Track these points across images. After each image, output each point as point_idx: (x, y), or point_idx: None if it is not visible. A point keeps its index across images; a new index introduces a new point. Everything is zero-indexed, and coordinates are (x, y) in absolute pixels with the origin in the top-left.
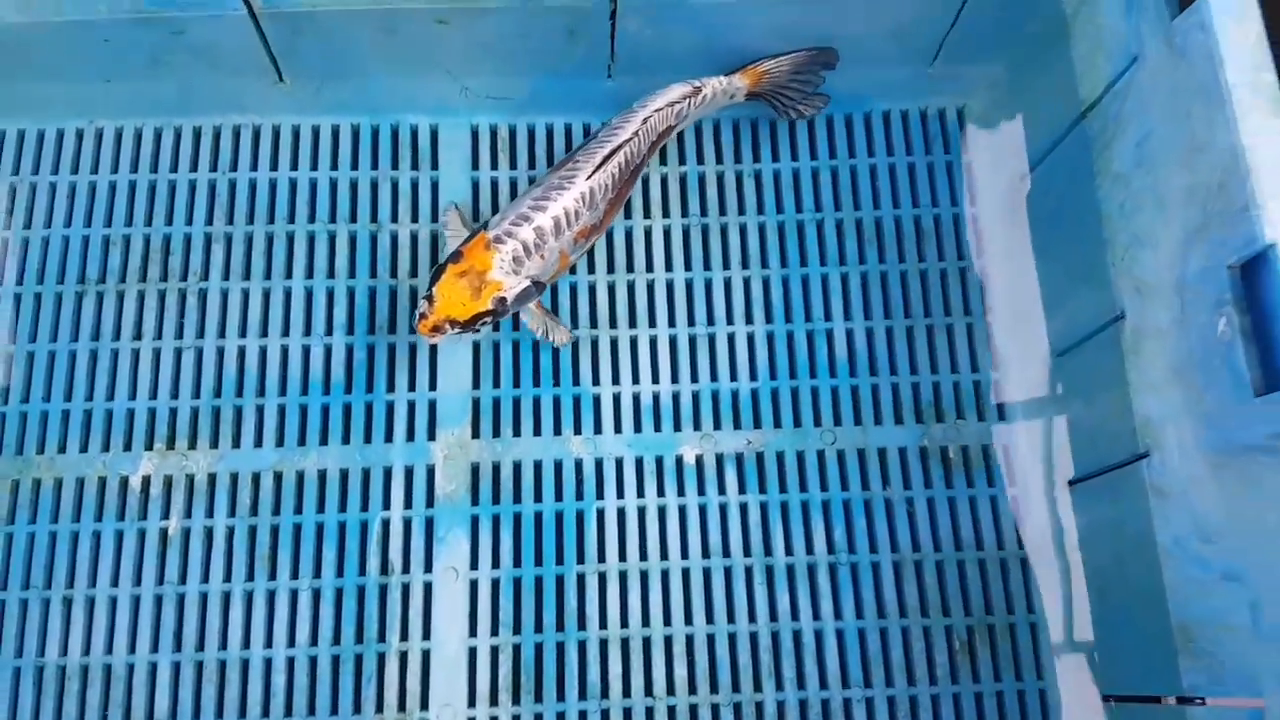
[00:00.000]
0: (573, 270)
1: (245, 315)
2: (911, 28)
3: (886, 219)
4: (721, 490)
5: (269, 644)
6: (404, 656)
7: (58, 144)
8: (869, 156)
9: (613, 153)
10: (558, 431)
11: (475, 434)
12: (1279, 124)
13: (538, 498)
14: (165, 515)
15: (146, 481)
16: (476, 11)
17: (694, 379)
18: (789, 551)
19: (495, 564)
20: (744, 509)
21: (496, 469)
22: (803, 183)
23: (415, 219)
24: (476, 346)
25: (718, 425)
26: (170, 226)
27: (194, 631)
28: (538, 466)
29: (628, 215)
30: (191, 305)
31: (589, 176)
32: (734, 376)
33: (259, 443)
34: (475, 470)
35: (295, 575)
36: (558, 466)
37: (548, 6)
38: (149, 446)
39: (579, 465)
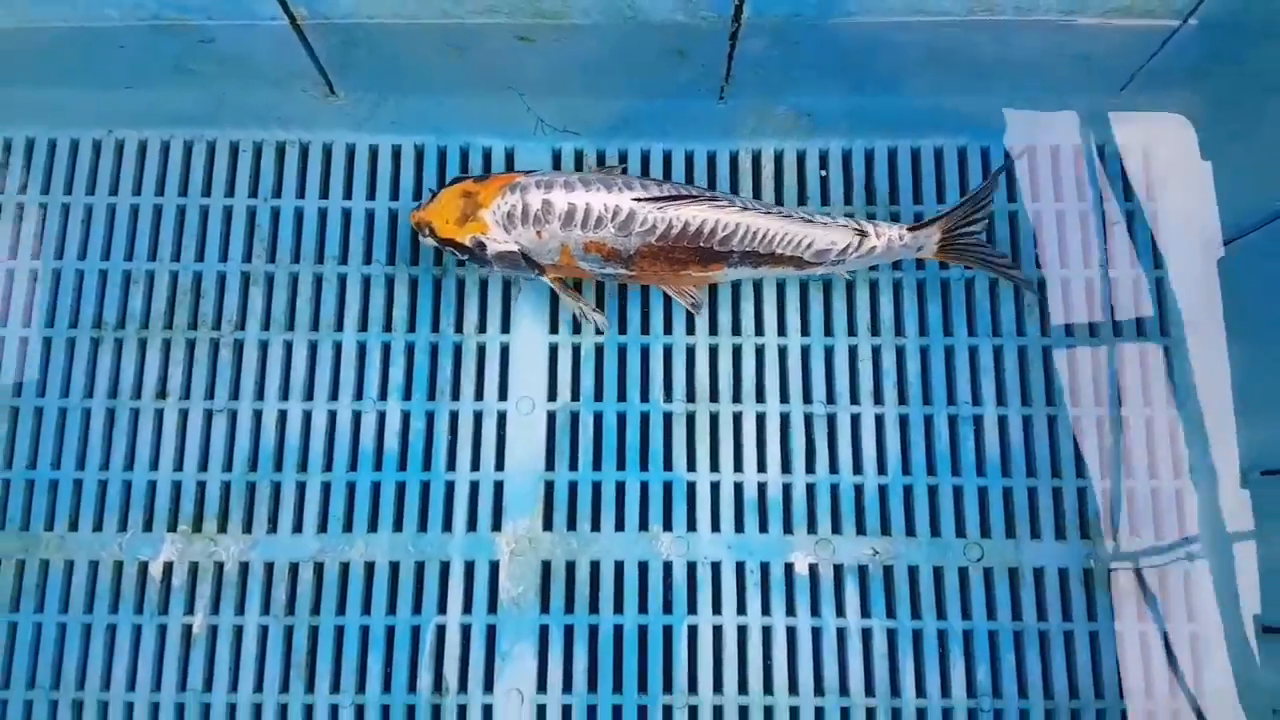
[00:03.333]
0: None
1: (287, 373)
2: (1095, 56)
3: (1052, 279)
4: (840, 610)
5: None
6: None
7: (71, 156)
8: (1033, 200)
9: (685, 202)
10: (644, 526)
11: (547, 525)
12: None
13: (618, 607)
14: (189, 610)
15: (168, 569)
16: (567, 28)
17: (809, 469)
18: (920, 693)
19: (567, 687)
20: (867, 636)
21: (571, 569)
22: None
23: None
24: (551, 417)
25: (837, 529)
26: (201, 263)
27: None
28: (619, 568)
29: None
30: (225, 359)
31: (638, 200)
32: (858, 469)
33: (298, 527)
34: (546, 570)
35: (336, 688)
36: (643, 569)
37: (655, 24)
38: (172, 527)
39: (668, 569)
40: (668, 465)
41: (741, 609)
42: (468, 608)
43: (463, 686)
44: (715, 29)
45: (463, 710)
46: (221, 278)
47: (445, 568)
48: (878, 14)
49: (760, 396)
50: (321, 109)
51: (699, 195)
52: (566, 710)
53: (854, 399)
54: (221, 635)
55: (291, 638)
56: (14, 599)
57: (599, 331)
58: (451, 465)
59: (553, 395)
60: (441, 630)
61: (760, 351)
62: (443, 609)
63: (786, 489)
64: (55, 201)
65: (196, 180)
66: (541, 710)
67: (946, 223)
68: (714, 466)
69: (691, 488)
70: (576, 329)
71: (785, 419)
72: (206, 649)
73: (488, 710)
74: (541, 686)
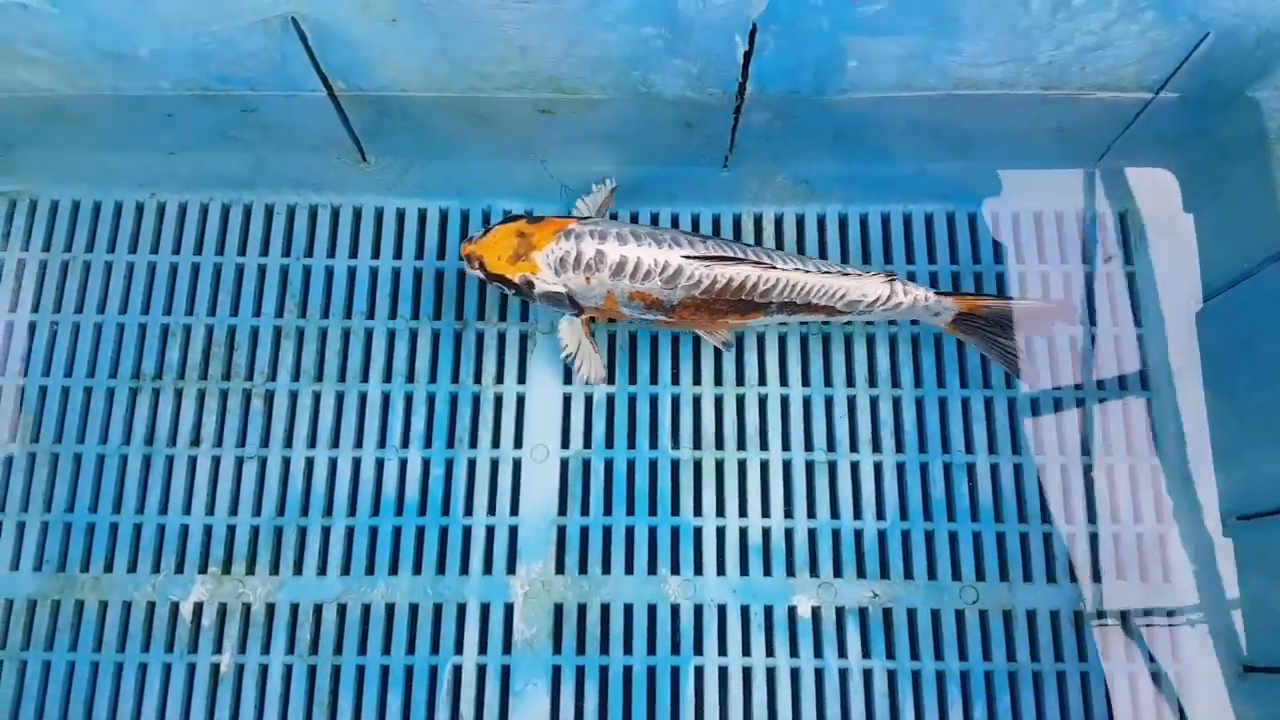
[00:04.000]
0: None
1: (315, 422)
2: (1073, 128)
3: (1040, 336)
4: (842, 652)
5: None
6: None
7: (115, 217)
8: (1018, 263)
9: (730, 262)
10: (653, 570)
11: (560, 569)
12: None
13: (628, 649)
14: (218, 649)
15: (199, 609)
16: (584, 102)
17: (811, 514)
18: None
19: None
20: (868, 676)
21: (582, 611)
22: (942, 287)
23: (503, 317)
24: (564, 464)
25: (838, 572)
26: (236, 317)
27: None
28: (628, 611)
29: None
30: (256, 409)
31: (688, 256)
32: (858, 514)
33: (323, 570)
34: (558, 612)
35: None
36: (651, 612)
37: (667, 99)
38: (203, 569)
39: (675, 612)
40: (675, 510)
41: (746, 650)
42: (483, 648)
43: None
44: (721, 104)
45: None
46: (255, 331)
47: (462, 609)
48: (868, 89)
49: (764, 444)
50: (353, 175)
51: (744, 257)
52: None
53: (853, 447)
54: (248, 674)
55: (315, 677)
56: (49, 637)
57: (589, 380)
58: (469, 510)
59: (566, 443)
60: (458, 670)
61: (764, 401)
62: (459, 649)
63: (789, 533)
64: (99, 259)
65: (233, 240)
66: None
67: (968, 302)
68: (720, 512)
69: (698, 532)
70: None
71: (788, 466)
72: (233, 687)
73: None
74: None
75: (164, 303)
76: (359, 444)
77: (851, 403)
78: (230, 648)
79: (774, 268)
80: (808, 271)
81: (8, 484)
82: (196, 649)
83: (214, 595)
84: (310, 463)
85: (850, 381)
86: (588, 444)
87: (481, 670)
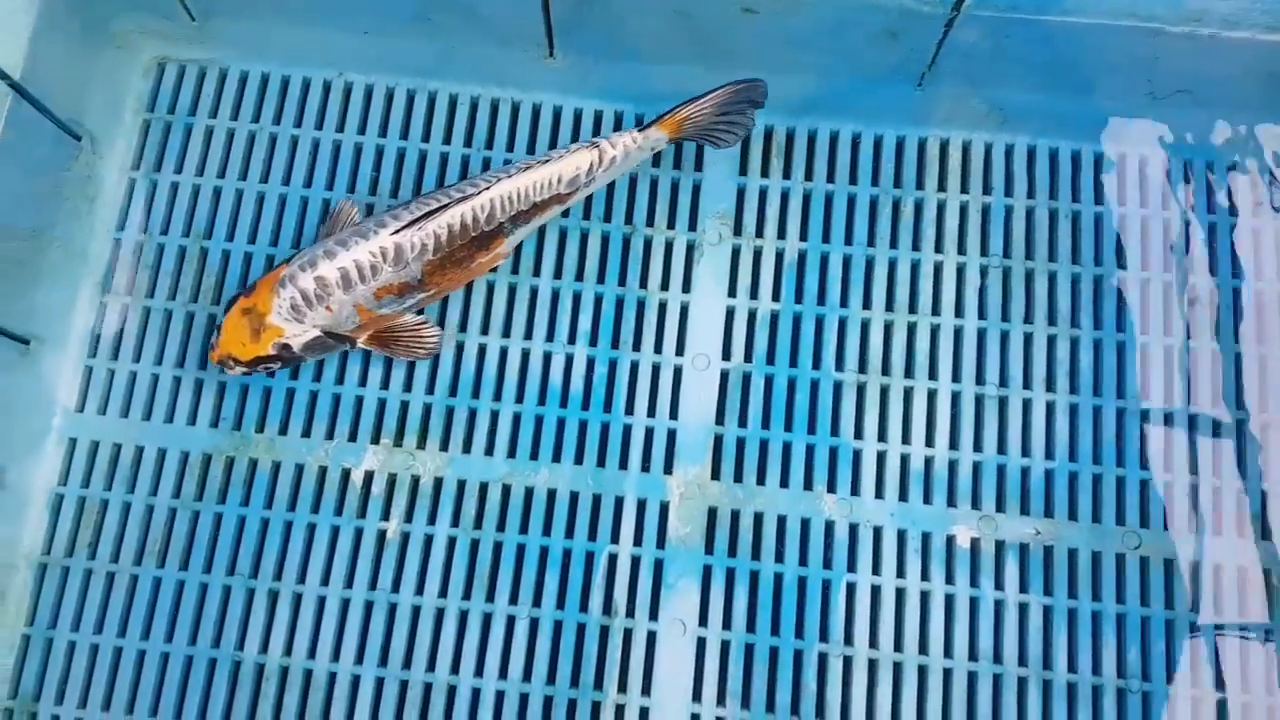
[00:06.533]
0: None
1: (488, 312)
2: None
3: (1224, 288)
4: (999, 584)
5: (479, 672)
6: (620, 712)
7: (303, 94)
8: (1209, 213)
9: (438, 212)
10: (808, 486)
11: (715, 475)
12: None
13: (779, 557)
14: (385, 516)
15: (369, 477)
16: (792, 1)
17: (977, 448)
18: (1072, 668)
19: (726, 624)
20: (1023, 610)
21: (735, 517)
22: (1130, 231)
23: (672, 225)
24: (724, 376)
25: (1000, 507)
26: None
27: (402, 647)
28: (782, 522)
29: (915, 247)
30: None
31: (396, 233)
32: (1026, 452)
33: (490, 450)
34: (712, 515)
35: (514, 600)
36: (804, 526)
37: (877, 4)
38: (375, 440)
39: (829, 528)
40: (834, 431)
41: (900, 573)
42: (638, 540)
43: (630, 612)
44: (933, 15)
45: (628, 633)
46: None
47: (619, 502)
48: (1089, 14)
49: (933, 374)
50: (538, 70)
51: (445, 201)
52: (724, 645)
53: (1026, 384)
54: (413, 543)
55: (477, 551)
56: (222, 492)
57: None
58: (630, 410)
59: (727, 355)
60: (613, 559)
61: (935, 331)
62: (615, 539)
63: (953, 465)
64: (285, 132)
65: (417, 126)
66: (701, 643)
67: (673, 123)
68: (881, 437)
69: (857, 455)
70: (754, 294)
71: (956, 397)
72: (398, 554)
73: (651, 636)
74: (703, 621)
75: (348, 180)
76: (528, 335)
77: (1028, 340)
78: (397, 516)
79: (479, 193)
80: (512, 176)
81: (188, 341)
82: (365, 515)
83: (385, 465)
84: (482, 349)
85: (1029, 318)
86: (748, 358)
87: (636, 561)
